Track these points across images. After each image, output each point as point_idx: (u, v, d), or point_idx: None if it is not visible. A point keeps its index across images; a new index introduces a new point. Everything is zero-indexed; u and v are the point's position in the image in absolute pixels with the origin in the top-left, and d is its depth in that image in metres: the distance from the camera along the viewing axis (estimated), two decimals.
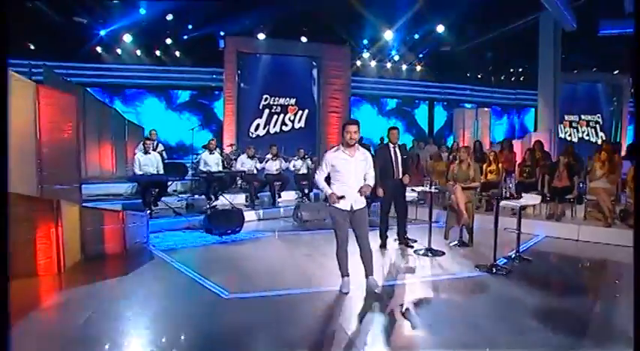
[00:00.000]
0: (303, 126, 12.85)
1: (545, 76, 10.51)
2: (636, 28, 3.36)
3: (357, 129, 3.89)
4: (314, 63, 12.82)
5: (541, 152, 8.67)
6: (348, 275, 3.99)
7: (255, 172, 9.13)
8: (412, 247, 5.88)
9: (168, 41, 12.74)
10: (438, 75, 15.66)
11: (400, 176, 5.58)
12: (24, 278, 4.05)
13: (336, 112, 13.03)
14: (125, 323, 3.38)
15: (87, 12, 11.49)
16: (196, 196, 8.61)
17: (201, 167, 8.28)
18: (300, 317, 3.51)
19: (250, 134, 12.29)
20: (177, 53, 13.11)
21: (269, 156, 9.50)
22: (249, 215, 7.76)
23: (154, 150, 8.14)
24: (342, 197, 3.83)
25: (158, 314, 3.60)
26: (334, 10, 11.64)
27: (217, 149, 9.16)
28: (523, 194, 5.28)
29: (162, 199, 7.71)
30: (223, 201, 8.11)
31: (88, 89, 10.91)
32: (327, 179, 4.01)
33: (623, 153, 10.22)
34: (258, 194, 9.09)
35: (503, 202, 5.00)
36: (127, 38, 12.41)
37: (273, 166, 9.40)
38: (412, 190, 6.37)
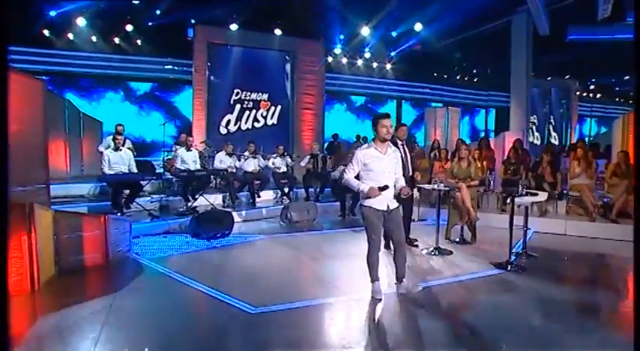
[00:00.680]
0: (275, 122, 12.38)
1: (518, 78, 10.82)
2: (636, 28, 3.37)
3: (392, 123, 3.60)
4: (287, 57, 12.38)
5: (521, 150, 8.88)
6: (378, 280, 3.71)
7: (234, 170, 8.57)
8: (417, 246, 5.73)
9: (130, 28, 11.63)
10: (406, 73, 15.76)
11: (410, 174, 5.36)
12: None
13: (309, 108, 12.68)
14: None
15: None
16: (170, 197, 7.89)
17: (178, 165, 7.58)
18: (346, 327, 3.19)
19: (221, 130, 11.63)
20: (139, 41, 12.02)
21: (247, 154, 8.99)
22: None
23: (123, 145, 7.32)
24: (386, 187, 3.48)
25: (176, 340, 2.96)
26: (310, 3, 11.23)
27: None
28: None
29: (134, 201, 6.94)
30: (203, 202, 7.50)
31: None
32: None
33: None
34: (237, 194, 8.54)
35: (517, 200, 4.91)
36: (81, 21, 11.17)
37: (251, 164, 8.90)
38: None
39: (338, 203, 8.52)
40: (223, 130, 11.64)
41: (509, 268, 4.69)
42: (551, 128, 18.07)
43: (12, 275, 3.62)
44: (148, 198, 7.61)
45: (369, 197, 3.53)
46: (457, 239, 5.99)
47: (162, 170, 8.85)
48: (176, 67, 12.91)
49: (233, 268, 4.80)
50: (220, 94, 11.58)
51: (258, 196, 8.91)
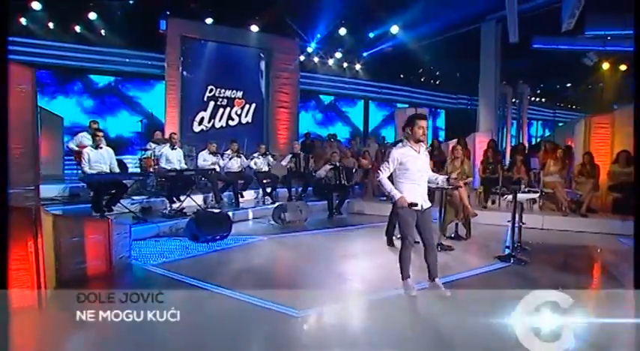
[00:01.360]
0: (250, 121, 12.09)
1: (487, 81, 11.40)
2: (636, 28, 3.67)
3: (427, 124, 3.66)
4: (262, 55, 12.11)
5: (494, 150, 9.38)
6: (409, 277, 3.80)
7: (218, 170, 8.27)
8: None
9: (93, 16, 10.78)
10: (374, 74, 16.03)
11: None
12: None
13: (284, 107, 12.52)
14: None
15: None
16: (152, 199, 7.45)
17: (163, 164, 7.18)
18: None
19: (194, 128, 11.15)
20: (103, 31, 11.17)
21: (229, 153, 8.71)
22: None
23: None
24: (415, 204, 3.60)
25: None
26: (287, 1, 11.10)
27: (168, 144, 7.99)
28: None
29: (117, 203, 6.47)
30: (190, 203, 7.15)
31: None
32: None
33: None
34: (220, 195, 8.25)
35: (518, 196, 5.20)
36: (36, 5, 10.19)
37: (234, 163, 8.63)
38: None
39: (321, 202, 8.52)
40: (197, 128, 11.18)
41: (512, 261, 4.97)
42: (505, 131, 19.21)
43: (17, 286, 3.24)
44: (130, 199, 7.13)
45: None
46: (452, 235, 6.21)
47: (139, 170, 8.33)
48: (143, 61, 12.15)
49: (254, 272, 4.69)
50: (193, 91, 11.11)
51: (242, 196, 8.68)
